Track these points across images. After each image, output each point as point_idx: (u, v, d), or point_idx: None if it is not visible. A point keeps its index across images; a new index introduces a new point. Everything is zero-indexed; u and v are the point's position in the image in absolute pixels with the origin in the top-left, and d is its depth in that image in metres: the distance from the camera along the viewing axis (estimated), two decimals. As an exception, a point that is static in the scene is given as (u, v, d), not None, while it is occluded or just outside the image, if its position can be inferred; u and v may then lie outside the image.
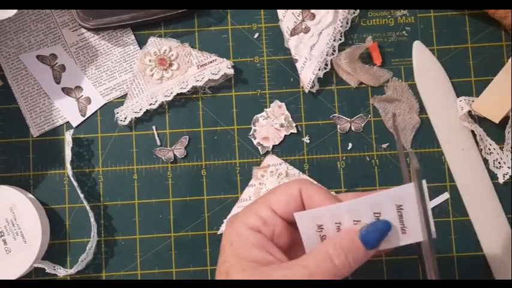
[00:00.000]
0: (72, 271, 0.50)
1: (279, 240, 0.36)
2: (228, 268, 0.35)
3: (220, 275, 0.36)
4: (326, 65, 0.53)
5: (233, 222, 0.37)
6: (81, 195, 0.51)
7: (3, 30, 0.53)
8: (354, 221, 0.36)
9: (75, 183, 0.51)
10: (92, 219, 0.51)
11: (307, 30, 0.53)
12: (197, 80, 0.52)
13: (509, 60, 0.51)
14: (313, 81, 0.52)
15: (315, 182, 0.50)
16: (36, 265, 0.49)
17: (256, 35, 0.54)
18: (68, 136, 0.51)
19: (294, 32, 0.53)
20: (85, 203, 0.51)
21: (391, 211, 0.35)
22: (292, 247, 0.38)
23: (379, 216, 0.35)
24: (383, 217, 0.35)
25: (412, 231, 0.36)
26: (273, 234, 0.36)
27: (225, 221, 0.52)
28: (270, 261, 0.35)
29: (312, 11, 0.53)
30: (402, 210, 0.35)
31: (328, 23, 0.53)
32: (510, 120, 0.52)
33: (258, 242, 0.35)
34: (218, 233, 0.52)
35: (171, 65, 0.52)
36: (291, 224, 0.37)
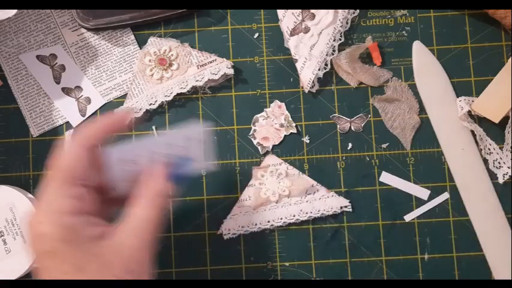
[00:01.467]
0: (72, 271, 0.50)
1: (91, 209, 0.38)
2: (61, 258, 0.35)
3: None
4: (326, 65, 0.53)
5: (37, 225, 0.35)
6: None
7: (3, 30, 0.53)
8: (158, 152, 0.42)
9: None
10: None
11: (307, 30, 0.53)
12: (197, 80, 0.52)
13: (509, 60, 0.51)
14: (313, 81, 0.52)
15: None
16: (36, 265, 0.49)
17: (256, 35, 0.54)
18: (68, 136, 0.51)
19: (293, 32, 0.53)
20: None
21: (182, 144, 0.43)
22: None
23: (172, 151, 0.41)
24: (175, 151, 0.41)
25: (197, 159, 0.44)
26: (84, 207, 0.37)
27: (224, 221, 0.52)
28: (96, 235, 0.36)
29: (312, 11, 0.53)
30: (189, 141, 0.43)
31: (328, 23, 0.53)
32: (510, 120, 0.52)
33: (77, 220, 0.35)
34: (218, 232, 0.52)
35: (171, 65, 0.52)
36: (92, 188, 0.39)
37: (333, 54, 0.53)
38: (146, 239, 0.37)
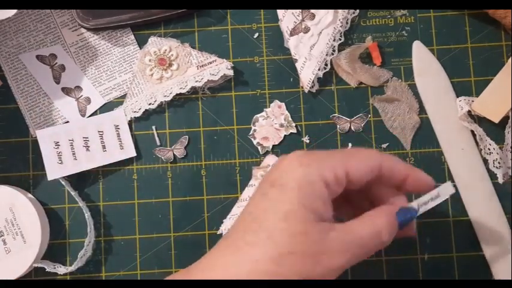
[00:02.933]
0: (72, 268, 0.50)
1: (335, 198, 0.36)
2: (288, 211, 0.33)
3: (275, 213, 0.34)
4: (326, 65, 0.53)
5: (308, 166, 0.35)
6: (73, 193, 0.51)
7: (3, 30, 0.53)
8: (83, 137, 0.48)
9: (62, 182, 0.51)
10: (87, 215, 0.51)
11: (307, 30, 0.53)
12: (196, 81, 0.52)
13: (509, 60, 0.51)
14: (312, 81, 0.52)
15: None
16: (36, 265, 0.49)
17: (256, 35, 0.54)
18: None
19: (293, 32, 0.53)
20: (78, 200, 0.51)
21: (111, 130, 0.49)
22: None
23: (102, 134, 0.45)
24: (105, 134, 0.45)
25: (127, 147, 0.50)
26: (336, 193, 0.36)
27: (224, 220, 0.52)
28: (325, 219, 0.34)
29: (312, 11, 0.53)
30: (119, 130, 0.47)
31: (328, 23, 0.53)
32: (510, 120, 0.52)
33: (325, 198, 0.35)
34: (218, 232, 0.52)
35: (170, 65, 0.52)
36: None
37: (333, 54, 0.53)
38: (348, 264, 0.35)
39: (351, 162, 0.36)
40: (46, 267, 0.50)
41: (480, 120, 0.52)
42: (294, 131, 0.53)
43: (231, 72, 0.52)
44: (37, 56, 0.53)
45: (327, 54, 0.53)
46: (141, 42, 0.54)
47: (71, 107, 0.53)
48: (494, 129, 0.52)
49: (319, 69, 0.52)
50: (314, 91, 0.53)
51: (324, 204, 0.34)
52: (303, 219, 0.33)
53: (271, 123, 0.53)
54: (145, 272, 0.52)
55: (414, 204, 0.38)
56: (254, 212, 0.35)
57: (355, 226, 0.35)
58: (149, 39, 0.53)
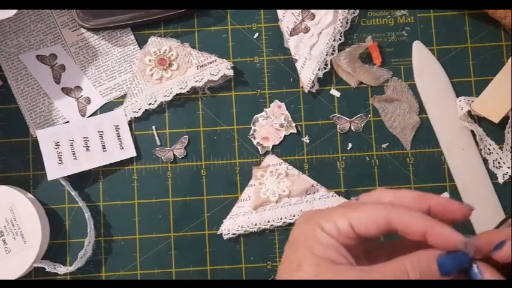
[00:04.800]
0: (72, 268, 0.50)
1: (349, 250, 0.37)
2: (300, 260, 0.35)
3: (290, 264, 0.36)
4: (326, 65, 0.53)
5: (310, 220, 0.36)
6: (73, 193, 0.51)
7: (3, 30, 0.53)
8: (83, 137, 0.48)
9: (63, 182, 0.51)
10: (87, 215, 0.51)
11: (307, 30, 0.53)
12: (196, 81, 0.52)
13: (509, 60, 0.51)
14: (312, 81, 0.52)
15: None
16: (36, 265, 0.49)
17: (256, 35, 0.54)
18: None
19: (293, 32, 0.53)
20: (78, 200, 0.51)
21: (111, 130, 0.49)
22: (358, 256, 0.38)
23: (102, 134, 0.45)
24: (105, 134, 0.45)
25: (127, 147, 0.50)
26: (346, 245, 0.36)
27: (224, 221, 0.52)
28: (343, 262, 0.35)
29: (312, 11, 0.53)
30: (119, 130, 0.48)
31: (328, 23, 0.53)
32: (510, 120, 0.51)
33: (332, 244, 0.35)
34: (218, 232, 0.52)
35: (170, 65, 0.52)
36: (364, 239, 0.37)
37: (332, 54, 0.53)
38: None
39: (353, 214, 0.36)
40: (46, 267, 0.50)
41: (480, 120, 0.52)
42: (294, 131, 0.53)
43: (231, 72, 0.52)
44: (37, 56, 0.53)
45: (327, 54, 0.53)
46: (141, 42, 0.54)
47: (71, 107, 0.53)
48: (494, 129, 0.52)
49: (319, 69, 0.52)
50: (314, 91, 0.53)
51: (336, 252, 0.35)
52: (315, 263, 0.35)
53: (271, 123, 0.53)
54: (145, 272, 0.52)
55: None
56: (278, 272, 0.37)
57: (378, 266, 0.35)
58: (149, 39, 0.53)
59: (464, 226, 0.52)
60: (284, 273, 0.36)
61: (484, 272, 0.34)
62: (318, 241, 0.35)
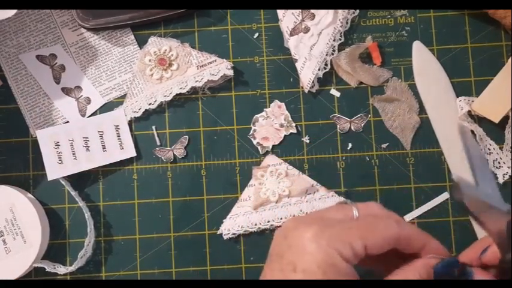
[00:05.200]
0: (72, 268, 0.50)
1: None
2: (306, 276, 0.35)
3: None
4: (326, 65, 0.53)
5: (320, 239, 0.35)
6: (73, 193, 0.51)
7: (3, 30, 0.53)
8: (83, 137, 0.49)
9: (62, 182, 0.51)
10: (87, 215, 0.51)
11: (307, 30, 0.53)
12: (196, 81, 0.52)
13: (509, 60, 0.51)
14: (312, 81, 0.52)
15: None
16: (36, 265, 0.49)
17: (256, 35, 0.54)
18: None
19: (293, 32, 0.53)
20: (78, 200, 0.51)
21: (111, 130, 0.50)
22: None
23: (102, 134, 0.46)
24: (105, 134, 0.46)
25: (127, 147, 0.51)
26: (354, 263, 0.36)
27: (224, 221, 0.52)
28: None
29: (312, 11, 0.53)
30: (119, 130, 0.48)
31: (328, 23, 0.53)
32: (510, 120, 0.51)
33: (346, 271, 0.35)
34: (218, 232, 0.52)
35: (170, 65, 0.52)
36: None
37: (332, 54, 0.53)
38: None
39: (368, 236, 0.36)
40: (46, 267, 0.50)
41: (480, 120, 0.52)
42: (294, 131, 0.53)
43: (231, 72, 0.52)
44: (37, 56, 0.53)
45: (327, 54, 0.53)
46: (141, 42, 0.54)
47: (71, 107, 0.53)
48: (494, 129, 0.52)
49: (319, 69, 0.52)
50: (314, 91, 0.53)
51: (347, 277, 0.35)
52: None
53: (271, 123, 0.53)
54: (145, 272, 0.52)
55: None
56: None
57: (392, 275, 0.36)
58: (149, 39, 0.53)
59: (464, 226, 0.52)
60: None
61: (476, 273, 0.36)
62: (336, 273, 0.35)
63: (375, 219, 0.38)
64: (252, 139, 0.53)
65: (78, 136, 0.52)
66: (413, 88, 0.53)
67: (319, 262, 0.34)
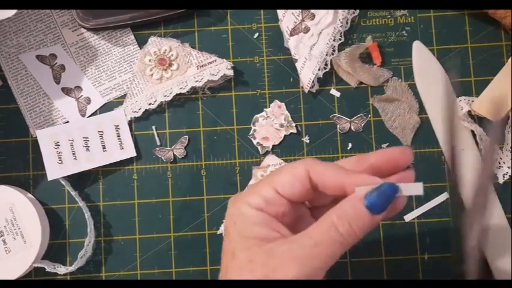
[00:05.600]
0: (72, 268, 0.50)
1: (284, 219, 0.36)
2: (233, 248, 0.35)
3: (226, 255, 0.35)
4: (326, 65, 0.53)
5: (235, 202, 0.36)
6: (73, 193, 0.51)
7: (3, 30, 0.53)
8: (83, 137, 0.49)
9: (62, 182, 0.51)
10: (87, 215, 0.51)
11: (307, 30, 0.53)
12: (196, 81, 0.52)
13: (509, 60, 0.51)
14: (312, 81, 0.52)
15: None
16: (36, 265, 0.49)
17: (256, 35, 0.54)
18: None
19: (293, 32, 0.53)
20: (78, 200, 0.51)
21: (111, 130, 0.50)
22: (298, 223, 0.37)
23: (102, 134, 0.45)
24: (105, 134, 0.46)
25: (127, 147, 0.51)
26: (277, 214, 0.35)
27: (224, 221, 0.52)
28: (275, 237, 0.34)
29: (312, 11, 0.53)
30: (119, 130, 0.48)
31: (328, 23, 0.53)
32: (510, 120, 0.52)
33: (261, 220, 0.34)
34: (218, 232, 0.52)
35: (170, 65, 0.52)
36: (296, 203, 0.36)
37: (333, 54, 0.53)
38: (308, 268, 0.33)
39: (275, 179, 0.36)
40: (46, 267, 0.50)
41: (480, 120, 0.52)
42: (294, 131, 0.53)
43: (231, 72, 0.52)
44: (37, 56, 0.53)
45: (327, 54, 0.53)
46: (141, 42, 0.54)
47: (71, 107, 0.53)
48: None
49: (319, 69, 0.52)
50: (314, 91, 0.53)
51: (266, 227, 0.34)
52: (246, 247, 0.34)
53: (271, 123, 0.53)
54: (145, 272, 0.52)
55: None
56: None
57: (309, 229, 0.34)
58: (149, 39, 0.53)
59: (464, 226, 0.52)
60: (222, 266, 0.35)
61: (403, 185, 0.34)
62: (246, 220, 0.34)
63: (288, 164, 0.37)
64: (252, 139, 0.53)
65: (78, 136, 0.52)
66: (413, 88, 0.53)
67: (231, 215, 0.35)
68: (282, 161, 0.52)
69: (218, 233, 0.52)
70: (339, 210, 0.34)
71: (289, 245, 0.33)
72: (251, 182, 0.52)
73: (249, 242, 0.34)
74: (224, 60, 0.52)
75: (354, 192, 0.34)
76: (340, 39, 0.53)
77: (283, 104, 0.53)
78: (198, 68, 0.52)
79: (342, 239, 0.33)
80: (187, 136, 0.53)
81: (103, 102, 0.53)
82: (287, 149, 0.53)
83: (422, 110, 0.53)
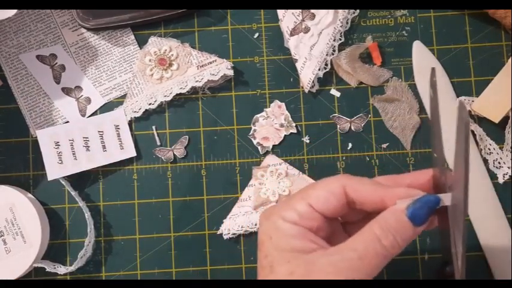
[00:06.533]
0: (72, 268, 0.50)
1: (318, 234, 0.35)
2: (271, 262, 0.34)
3: (263, 269, 0.35)
4: (326, 65, 0.53)
5: (269, 216, 0.36)
6: (73, 193, 0.51)
7: (3, 30, 0.53)
8: (84, 137, 0.50)
9: (63, 182, 0.51)
10: (87, 215, 0.51)
11: (307, 30, 0.53)
12: (196, 81, 0.52)
13: (509, 60, 0.51)
14: (313, 81, 0.52)
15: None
16: (36, 265, 0.49)
17: (256, 35, 0.54)
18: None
19: (294, 32, 0.53)
20: (78, 200, 0.51)
21: (111, 130, 0.50)
22: (331, 238, 0.37)
23: (102, 134, 0.46)
24: (106, 134, 0.46)
25: (127, 147, 0.51)
26: (312, 228, 0.35)
27: (224, 221, 0.52)
28: (313, 248, 0.34)
29: (312, 11, 0.53)
30: (119, 130, 0.48)
31: (328, 23, 0.53)
32: (510, 120, 0.52)
33: (297, 232, 0.34)
34: (218, 232, 0.52)
35: (170, 65, 0.52)
36: (329, 218, 0.36)
37: (333, 54, 0.53)
38: (345, 271, 0.33)
39: (309, 194, 0.36)
40: (46, 267, 0.50)
41: (480, 120, 0.52)
42: (294, 131, 0.53)
43: (231, 72, 0.52)
44: (37, 56, 0.53)
45: (327, 54, 0.53)
46: (141, 42, 0.54)
47: (71, 107, 0.53)
48: (494, 129, 0.52)
49: (319, 69, 0.52)
50: (314, 91, 0.53)
51: (303, 240, 0.34)
52: (285, 260, 0.34)
53: (271, 123, 0.53)
54: (145, 272, 0.52)
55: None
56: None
57: (349, 241, 0.34)
58: (149, 39, 0.53)
59: (464, 226, 0.52)
60: (260, 277, 0.35)
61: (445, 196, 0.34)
62: (282, 234, 0.34)
63: (322, 179, 0.37)
64: (252, 139, 0.53)
65: (78, 136, 0.51)
66: (413, 88, 0.53)
67: (265, 230, 0.35)
68: (282, 161, 0.52)
69: (218, 233, 0.52)
70: (382, 222, 0.34)
71: (330, 257, 0.33)
72: (251, 182, 0.52)
73: (287, 255, 0.34)
74: (224, 60, 0.52)
75: (395, 205, 0.34)
76: (340, 39, 0.53)
77: (283, 104, 0.53)
78: (198, 68, 0.52)
79: (385, 251, 0.33)
80: (187, 136, 0.53)
81: (103, 102, 0.53)
82: (287, 149, 0.53)
83: (422, 110, 0.53)
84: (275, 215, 0.36)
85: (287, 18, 0.53)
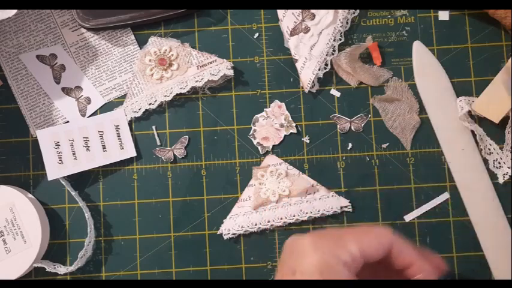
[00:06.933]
0: (72, 268, 0.50)
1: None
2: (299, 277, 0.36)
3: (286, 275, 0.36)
4: (326, 65, 0.53)
5: (319, 249, 0.36)
6: (73, 193, 0.51)
7: (3, 30, 0.53)
8: (84, 137, 0.49)
9: (63, 182, 0.51)
10: (87, 215, 0.51)
11: (307, 30, 0.53)
12: (197, 81, 0.52)
13: (509, 60, 0.51)
14: (313, 81, 0.52)
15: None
16: (36, 265, 0.49)
17: (256, 35, 0.54)
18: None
19: (294, 32, 0.53)
20: (78, 200, 0.51)
21: (111, 130, 0.50)
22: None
23: (102, 134, 0.46)
24: (106, 134, 0.46)
25: (127, 147, 0.51)
26: (355, 270, 0.37)
27: (224, 221, 0.52)
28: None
29: (312, 11, 0.53)
30: (119, 130, 0.48)
31: (328, 23, 0.53)
32: (510, 120, 0.52)
33: (344, 275, 0.36)
34: (218, 232, 0.52)
35: (170, 65, 0.52)
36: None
37: (333, 54, 0.53)
38: None
39: (362, 239, 0.38)
40: (46, 267, 0.50)
41: (480, 120, 0.52)
42: (294, 131, 0.53)
43: (231, 72, 0.52)
44: (37, 56, 0.53)
45: (327, 54, 0.53)
46: (141, 42, 0.54)
47: (71, 107, 0.53)
48: (494, 129, 0.52)
49: (319, 69, 0.52)
50: (314, 91, 0.53)
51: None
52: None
53: (271, 123, 0.53)
54: (145, 272, 0.52)
55: None
56: None
57: None
58: (149, 39, 0.53)
59: (464, 226, 0.52)
60: None
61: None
62: (334, 275, 0.36)
63: (369, 226, 0.41)
64: (252, 139, 0.53)
65: (78, 136, 0.52)
66: (413, 88, 0.53)
67: (317, 265, 0.36)
68: (282, 161, 0.52)
69: (218, 233, 0.52)
70: None
71: None
72: (251, 182, 0.52)
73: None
74: (224, 60, 0.52)
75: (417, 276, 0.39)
76: (340, 39, 0.53)
77: (283, 104, 0.53)
78: (198, 68, 0.52)
79: None
80: (187, 136, 0.53)
81: (103, 102, 0.53)
82: (287, 149, 0.53)
83: (422, 110, 0.53)
84: (329, 253, 0.36)
85: (287, 18, 0.53)
